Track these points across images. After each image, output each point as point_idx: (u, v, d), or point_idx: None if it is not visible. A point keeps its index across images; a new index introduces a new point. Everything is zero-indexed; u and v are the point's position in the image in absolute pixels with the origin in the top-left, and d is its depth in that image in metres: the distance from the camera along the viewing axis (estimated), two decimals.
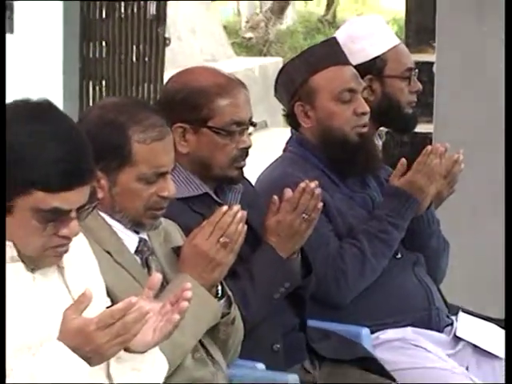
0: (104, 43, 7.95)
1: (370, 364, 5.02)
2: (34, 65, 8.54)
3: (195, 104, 4.93)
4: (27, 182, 3.63)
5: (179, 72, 4.98)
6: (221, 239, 4.37)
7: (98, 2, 8.32)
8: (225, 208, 4.45)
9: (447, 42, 7.39)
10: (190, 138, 4.79)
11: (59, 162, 3.68)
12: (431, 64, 7.47)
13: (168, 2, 9.27)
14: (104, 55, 8.19)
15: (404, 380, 4.95)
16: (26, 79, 8.67)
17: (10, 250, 3.72)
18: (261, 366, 4.78)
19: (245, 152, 4.80)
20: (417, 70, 5.59)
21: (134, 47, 8.18)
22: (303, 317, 5.03)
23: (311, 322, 5.03)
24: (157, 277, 3.88)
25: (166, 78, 8.67)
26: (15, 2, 9.39)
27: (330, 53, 5.43)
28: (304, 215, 4.66)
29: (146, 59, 8.13)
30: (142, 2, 8.13)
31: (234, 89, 4.83)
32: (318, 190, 4.75)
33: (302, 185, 4.72)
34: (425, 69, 6.76)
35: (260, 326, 4.77)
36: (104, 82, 8.29)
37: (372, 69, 5.40)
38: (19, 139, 3.67)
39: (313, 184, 4.70)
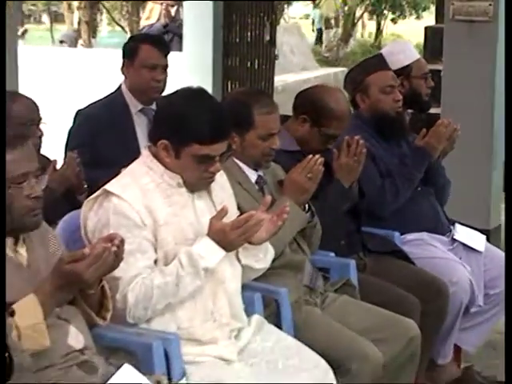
0: (237, 57, 8.10)
1: (400, 255, 5.16)
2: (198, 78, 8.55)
3: None
4: (190, 138, 3.72)
5: None
6: (308, 175, 4.42)
7: (234, 29, 8.41)
8: (310, 156, 4.47)
9: (449, 58, 7.71)
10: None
11: (210, 125, 3.74)
12: (440, 71, 7.81)
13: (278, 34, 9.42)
14: (238, 65, 8.33)
15: (421, 265, 5.09)
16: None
17: (179, 180, 3.82)
18: (332, 254, 4.83)
19: None
20: (430, 74, 5.78)
21: (256, 60, 8.31)
22: (359, 223, 5.10)
23: (364, 228, 5.14)
24: (268, 198, 4.02)
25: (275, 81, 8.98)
26: (185, 15, 9.37)
27: (377, 62, 5.54)
28: (355, 157, 4.77)
29: (263, 67, 8.27)
30: (261, 31, 8.22)
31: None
32: (363, 141, 4.79)
33: (356, 137, 4.79)
34: (436, 74, 7.06)
35: (331, 229, 4.74)
36: (237, 83, 8.41)
37: (403, 72, 5.54)
38: (185, 110, 3.77)
39: (358, 137, 4.79)
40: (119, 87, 5.53)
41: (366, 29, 34.65)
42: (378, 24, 31.02)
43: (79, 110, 5.52)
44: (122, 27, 28.08)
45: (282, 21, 24.93)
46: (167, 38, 11.60)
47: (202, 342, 3.77)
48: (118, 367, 3.38)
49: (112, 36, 26.63)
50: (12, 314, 2.77)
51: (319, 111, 4.85)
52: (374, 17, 31.26)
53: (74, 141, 5.29)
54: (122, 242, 3.32)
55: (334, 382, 3.86)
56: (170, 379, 3.55)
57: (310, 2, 30.69)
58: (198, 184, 3.86)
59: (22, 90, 5.30)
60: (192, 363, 3.70)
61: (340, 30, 29.10)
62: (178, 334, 3.71)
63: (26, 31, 27.31)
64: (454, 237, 5.40)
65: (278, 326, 4.12)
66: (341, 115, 4.87)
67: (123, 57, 5.54)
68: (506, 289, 3.46)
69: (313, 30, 31.03)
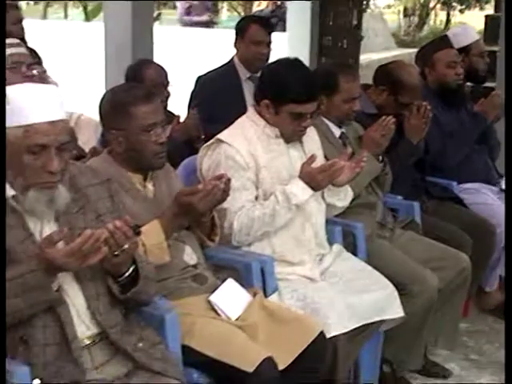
0: (330, 37, 8.01)
1: (457, 200, 5.07)
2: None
3: None
4: (287, 98, 3.69)
5: None
6: (382, 132, 4.36)
7: (328, 15, 8.37)
8: (384, 117, 4.43)
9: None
10: None
11: (304, 88, 3.70)
12: (496, 52, 7.64)
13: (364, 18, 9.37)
14: (330, 44, 8.25)
15: (474, 210, 5.05)
16: None
17: (277, 133, 3.81)
18: (400, 197, 4.81)
19: None
20: (487, 53, 5.75)
21: (345, 40, 8.24)
22: (424, 173, 5.06)
23: (428, 177, 5.10)
24: (349, 150, 4.03)
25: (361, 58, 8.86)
26: (288, 3, 9.31)
27: (443, 42, 5.45)
28: (423, 119, 4.70)
29: (351, 46, 8.19)
30: (350, 17, 8.16)
31: None
32: (429, 107, 4.72)
33: (424, 103, 4.72)
34: (493, 54, 7.01)
35: (401, 177, 4.72)
36: (329, 59, 8.39)
37: (464, 51, 5.43)
38: (284, 75, 3.74)
39: (425, 103, 4.72)
40: (232, 59, 5.56)
41: (437, 17, 34.17)
42: (448, 14, 30.62)
43: (199, 76, 5.57)
44: (239, 12, 28.23)
45: (368, 10, 24.74)
46: (273, 21, 11.63)
47: (292, 263, 3.78)
48: (223, 280, 3.43)
49: (230, 19, 26.70)
50: (139, 233, 2.78)
51: (395, 83, 4.80)
52: (445, 7, 30.84)
53: (195, 100, 5.34)
54: (229, 180, 3.34)
55: (398, 300, 3.86)
56: (264, 292, 3.58)
57: None
58: (292, 136, 3.85)
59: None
60: (283, 280, 3.72)
61: (416, 18, 28.82)
62: (272, 256, 3.73)
63: (159, 14, 27.45)
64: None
65: (354, 254, 4.12)
66: (413, 86, 4.80)
67: (236, 34, 5.57)
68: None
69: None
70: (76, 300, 2.77)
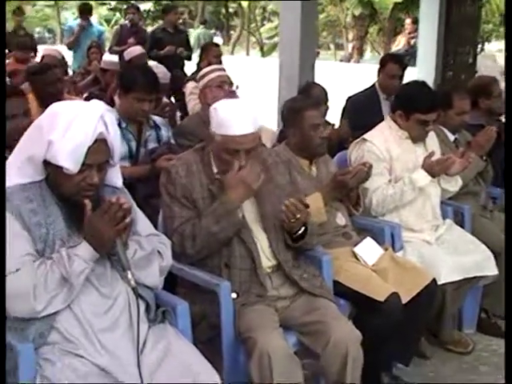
0: (451, 72, 7.80)
1: None
2: None
3: None
4: (415, 109, 3.73)
5: None
6: (486, 137, 4.24)
7: (451, 53, 8.29)
8: (488, 127, 4.28)
9: None
10: None
11: (428, 102, 3.71)
12: None
13: None
14: (451, 77, 8.15)
15: None
16: None
17: (406, 135, 3.81)
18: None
19: None
20: None
21: (463, 75, 8.10)
22: None
23: None
24: (461, 150, 4.01)
25: None
26: (419, 44, 8.99)
27: None
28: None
29: (467, 78, 7.88)
30: (467, 56, 8.02)
31: None
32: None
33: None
34: None
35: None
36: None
37: None
38: (413, 93, 3.77)
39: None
40: (374, 84, 5.63)
41: None
42: None
43: (349, 97, 5.66)
44: (379, 52, 27.84)
45: (482, 52, 23.73)
46: (407, 58, 11.53)
47: (414, 230, 3.84)
48: (364, 238, 3.55)
49: (373, 58, 26.48)
50: (307, 206, 2.94)
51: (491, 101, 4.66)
52: None
53: (346, 114, 5.52)
54: (371, 166, 3.52)
55: (493, 262, 3.84)
56: (393, 249, 3.66)
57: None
58: (417, 137, 3.88)
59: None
60: (407, 242, 3.78)
61: None
62: (400, 224, 3.80)
63: (318, 53, 27.62)
64: None
65: (462, 227, 4.08)
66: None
67: (379, 68, 5.62)
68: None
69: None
70: (262, 242, 3.00)
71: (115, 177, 2.56)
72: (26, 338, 2.29)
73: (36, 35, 23.36)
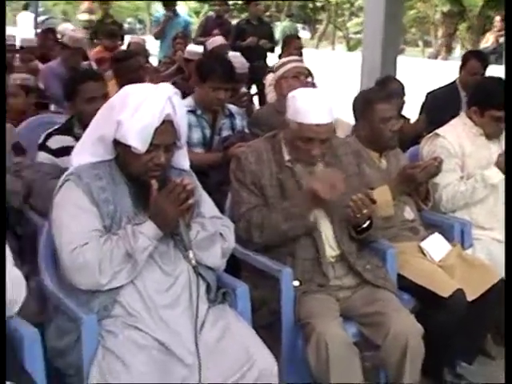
0: None
1: None
2: None
3: None
4: (490, 106, 3.66)
5: None
6: None
7: None
8: None
9: None
10: None
11: (499, 100, 3.59)
12: None
13: None
14: None
15: None
16: None
17: (480, 131, 3.75)
18: None
19: None
20: None
21: None
22: None
23: None
24: None
25: None
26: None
27: None
28: None
29: None
30: None
31: None
32: None
33: None
34: None
35: None
36: None
37: None
38: (489, 89, 3.70)
39: None
40: (455, 81, 5.56)
41: None
42: None
43: (429, 92, 5.58)
44: (467, 48, 27.39)
45: None
46: (495, 56, 11.28)
47: (484, 228, 3.77)
48: (431, 233, 3.51)
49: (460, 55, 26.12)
50: (374, 202, 2.97)
51: None
52: None
53: (424, 109, 5.44)
54: (441, 161, 3.47)
55: None
56: (462, 246, 3.61)
57: None
58: (493, 134, 3.81)
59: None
60: (477, 240, 3.71)
61: None
62: (470, 221, 3.72)
63: (403, 49, 27.22)
64: None
65: None
66: None
67: (460, 65, 5.54)
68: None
69: None
70: (327, 231, 3.02)
71: (182, 160, 2.63)
72: (90, 310, 2.38)
73: (127, 25, 23.94)
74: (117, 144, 2.42)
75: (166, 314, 2.41)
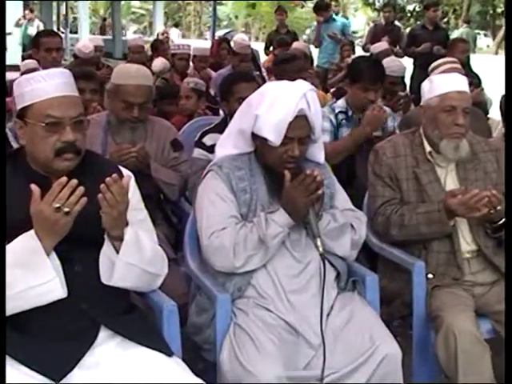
0: None
1: None
2: None
3: None
4: None
5: None
6: None
7: None
8: None
9: None
10: None
11: None
12: None
13: None
14: None
15: None
16: None
17: None
18: None
19: None
20: None
21: None
22: None
23: None
24: None
25: None
26: None
27: None
28: None
29: None
30: None
31: None
32: None
33: None
34: None
35: None
36: None
37: None
38: None
39: None
40: None
41: None
42: None
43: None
44: None
45: None
46: None
47: None
48: None
49: None
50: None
51: None
52: None
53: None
54: None
55: None
56: None
57: None
58: None
59: None
60: None
61: None
62: None
63: None
64: None
65: None
66: None
67: None
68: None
69: None
70: (463, 226, 2.98)
71: (318, 153, 2.74)
72: (225, 290, 2.56)
73: (305, 36, 24.24)
74: (255, 137, 2.57)
75: (295, 298, 2.52)
